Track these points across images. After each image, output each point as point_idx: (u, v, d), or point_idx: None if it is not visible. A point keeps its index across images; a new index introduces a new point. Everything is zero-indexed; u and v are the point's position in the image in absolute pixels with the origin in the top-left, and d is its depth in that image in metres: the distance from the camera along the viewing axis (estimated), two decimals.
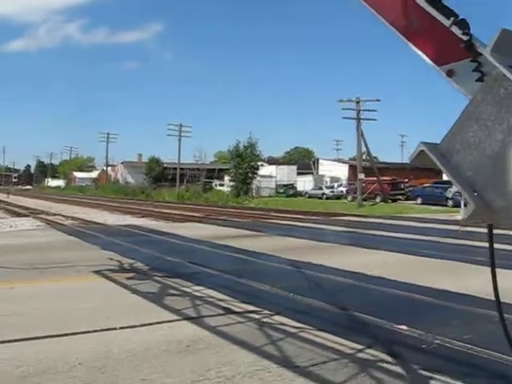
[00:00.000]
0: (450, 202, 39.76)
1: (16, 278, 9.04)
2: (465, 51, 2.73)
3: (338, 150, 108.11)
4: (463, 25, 2.80)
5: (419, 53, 2.98)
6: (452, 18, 2.84)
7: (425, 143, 2.30)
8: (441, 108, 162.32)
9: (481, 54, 2.59)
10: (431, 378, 4.77)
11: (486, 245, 2.07)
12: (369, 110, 49.84)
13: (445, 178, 52.05)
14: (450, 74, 2.79)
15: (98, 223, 25.97)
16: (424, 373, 4.88)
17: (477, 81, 2.48)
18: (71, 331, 5.99)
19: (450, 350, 5.58)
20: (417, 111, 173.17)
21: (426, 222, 25.05)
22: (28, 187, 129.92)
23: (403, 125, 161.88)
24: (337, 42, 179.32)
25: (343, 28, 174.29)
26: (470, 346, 5.59)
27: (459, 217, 28.72)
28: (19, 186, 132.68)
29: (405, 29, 3.13)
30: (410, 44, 3.07)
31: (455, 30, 2.80)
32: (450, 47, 2.82)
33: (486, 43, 2.33)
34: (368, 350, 5.50)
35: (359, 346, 5.61)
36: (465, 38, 2.74)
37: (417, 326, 6.28)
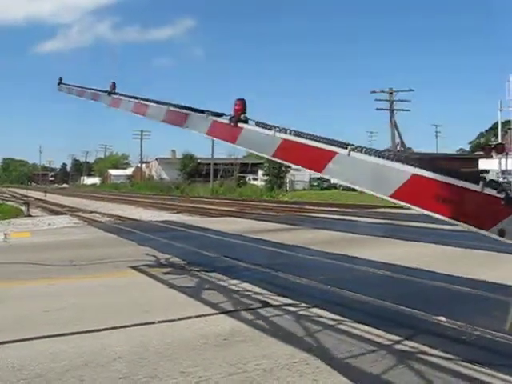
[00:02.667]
0: None
1: (55, 275, 9.18)
2: (508, 207, 2.63)
3: (371, 141, 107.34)
4: (494, 184, 2.73)
5: (464, 226, 2.90)
6: (481, 182, 2.76)
7: None
8: (474, 96, 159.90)
9: None
10: (472, 369, 4.71)
11: None
12: (402, 101, 49.40)
13: (480, 166, 51.40)
14: (501, 233, 2.70)
15: (134, 219, 26.30)
16: (464, 364, 4.82)
17: None
18: (111, 326, 6.07)
19: (491, 341, 5.48)
20: (451, 100, 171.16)
21: None
22: (64, 185, 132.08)
23: (437, 114, 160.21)
24: (370, 32, 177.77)
25: (375, 19, 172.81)
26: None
27: None
28: (56, 185, 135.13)
29: (440, 209, 3.07)
30: (452, 220, 2.99)
31: (489, 191, 2.73)
32: (491, 209, 2.73)
33: None
34: (406, 342, 5.45)
35: (397, 338, 5.56)
36: (502, 195, 2.66)
37: (456, 317, 6.20)
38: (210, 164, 75.19)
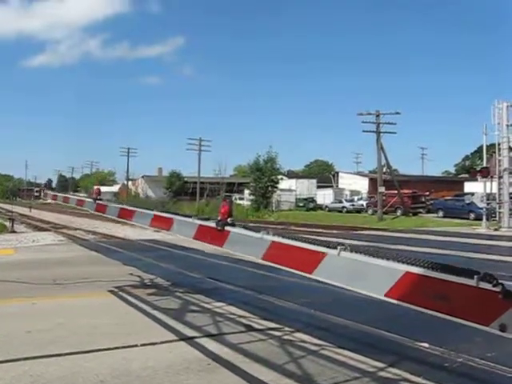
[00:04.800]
0: (472, 215, 39.34)
1: (38, 294, 9.10)
2: (506, 301, 2.63)
3: (357, 162, 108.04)
4: (489, 278, 2.73)
5: (463, 322, 2.90)
6: (475, 276, 2.77)
7: None
8: (461, 119, 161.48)
9: None
10: None
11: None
12: (388, 123, 49.69)
13: (466, 190, 51.63)
14: (503, 328, 2.67)
15: (119, 238, 26.11)
16: None
17: None
18: (93, 348, 6.02)
19: (474, 368, 5.51)
20: (437, 123, 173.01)
21: (447, 236, 24.80)
22: (50, 201, 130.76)
23: (423, 136, 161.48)
24: (356, 54, 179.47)
25: (362, 41, 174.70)
26: (493, 364, 5.52)
27: (481, 230, 28.50)
28: (41, 200, 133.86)
29: (436, 306, 3.08)
30: (449, 317, 2.99)
31: (484, 285, 2.73)
32: (489, 303, 2.73)
33: None
34: (390, 369, 5.45)
35: (381, 365, 5.56)
36: (498, 289, 2.65)
37: (439, 343, 6.22)
38: (196, 183, 75.12)
